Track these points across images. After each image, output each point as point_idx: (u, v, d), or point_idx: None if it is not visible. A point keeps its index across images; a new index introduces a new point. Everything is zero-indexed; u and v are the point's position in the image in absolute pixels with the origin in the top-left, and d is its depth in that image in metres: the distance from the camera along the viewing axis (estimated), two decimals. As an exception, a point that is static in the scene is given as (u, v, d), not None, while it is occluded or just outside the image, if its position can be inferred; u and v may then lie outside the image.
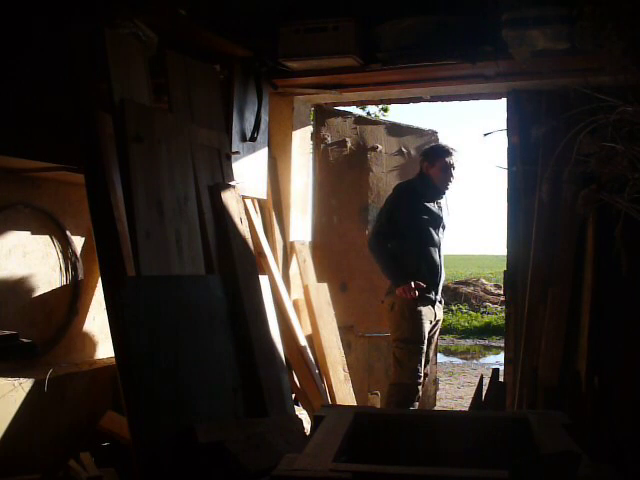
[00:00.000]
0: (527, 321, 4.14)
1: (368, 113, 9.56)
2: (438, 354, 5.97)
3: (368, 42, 4.04)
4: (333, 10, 4.03)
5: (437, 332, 4.35)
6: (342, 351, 4.58)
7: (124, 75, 3.16)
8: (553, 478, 1.87)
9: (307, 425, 3.65)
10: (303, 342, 4.35)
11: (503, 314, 9.65)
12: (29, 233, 3.48)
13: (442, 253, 4.23)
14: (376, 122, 5.49)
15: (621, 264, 3.59)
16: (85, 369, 3.60)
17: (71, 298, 3.73)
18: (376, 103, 6.13)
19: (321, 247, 5.06)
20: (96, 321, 3.87)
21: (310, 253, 4.83)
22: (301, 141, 4.86)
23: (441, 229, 4.24)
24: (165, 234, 3.12)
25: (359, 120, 5.24)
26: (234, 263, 3.45)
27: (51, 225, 3.61)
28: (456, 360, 9.66)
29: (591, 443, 3.50)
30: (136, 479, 2.77)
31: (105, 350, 3.87)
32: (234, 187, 3.69)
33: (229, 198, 3.58)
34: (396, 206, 4.16)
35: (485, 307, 14.23)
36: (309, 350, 4.37)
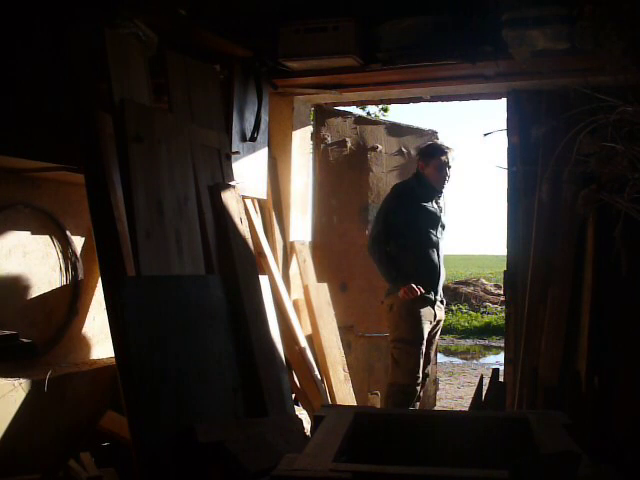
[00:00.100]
0: (527, 321, 4.14)
1: (368, 113, 9.55)
2: (438, 354, 5.97)
3: (368, 42, 4.04)
4: (333, 10, 4.03)
5: (438, 332, 4.35)
6: (342, 351, 4.59)
7: (124, 75, 3.16)
8: (553, 478, 1.86)
9: (307, 425, 3.66)
10: (303, 342, 4.35)
11: (503, 314, 9.64)
12: (29, 233, 3.48)
13: (442, 253, 4.22)
14: (376, 122, 5.49)
15: (621, 264, 3.59)
16: (85, 369, 3.60)
17: (71, 298, 3.73)
18: (376, 103, 6.13)
19: (321, 247, 5.06)
20: (96, 321, 3.87)
21: (310, 253, 4.83)
22: (301, 141, 4.86)
23: (440, 229, 4.22)
24: (165, 234, 3.12)
25: (359, 120, 5.24)
26: (234, 263, 3.45)
27: (51, 225, 3.61)
28: (456, 360, 9.65)
29: (591, 443, 3.50)
30: (136, 479, 2.77)
31: (105, 350, 3.86)
32: (234, 187, 3.68)
33: (229, 198, 3.58)
34: (393, 207, 4.16)
35: (485, 307, 14.23)
36: (309, 350, 4.37)
